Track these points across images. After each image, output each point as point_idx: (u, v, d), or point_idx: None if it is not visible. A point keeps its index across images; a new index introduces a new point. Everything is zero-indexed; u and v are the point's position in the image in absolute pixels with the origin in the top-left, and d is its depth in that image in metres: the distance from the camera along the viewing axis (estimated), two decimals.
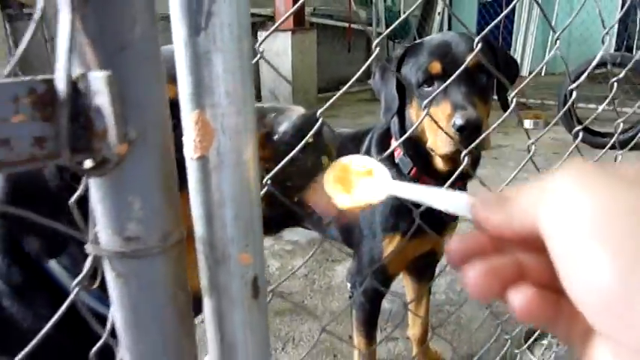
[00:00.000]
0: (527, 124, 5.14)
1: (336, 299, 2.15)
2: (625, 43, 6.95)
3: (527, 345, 1.56)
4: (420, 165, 1.35)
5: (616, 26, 6.77)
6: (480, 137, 1.15)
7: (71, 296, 0.39)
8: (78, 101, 0.28)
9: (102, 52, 0.29)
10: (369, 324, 1.51)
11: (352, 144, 1.54)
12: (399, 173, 1.41)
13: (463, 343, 1.80)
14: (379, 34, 7.66)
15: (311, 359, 1.79)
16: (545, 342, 1.66)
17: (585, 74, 1.11)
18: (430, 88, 1.27)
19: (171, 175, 0.36)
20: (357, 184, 0.61)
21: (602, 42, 0.94)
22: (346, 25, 7.78)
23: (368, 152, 1.52)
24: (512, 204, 0.32)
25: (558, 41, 0.86)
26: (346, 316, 1.97)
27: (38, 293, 0.63)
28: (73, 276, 0.62)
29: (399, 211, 1.41)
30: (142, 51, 0.32)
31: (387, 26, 8.48)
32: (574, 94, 0.92)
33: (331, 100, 0.71)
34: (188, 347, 0.41)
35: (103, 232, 0.34)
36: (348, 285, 1.57)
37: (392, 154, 1.44)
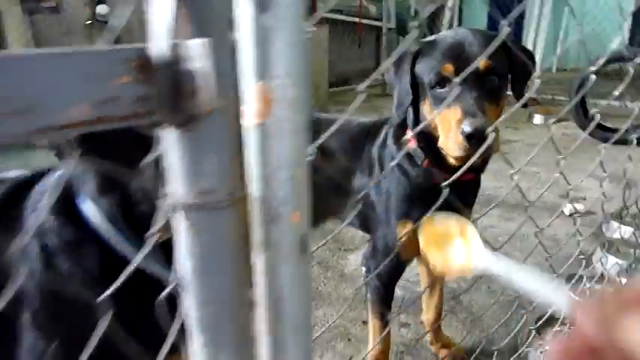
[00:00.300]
0: (538, 119, 5.15)
1: (349, 286, 2.20)
2: (638, 38, 6.93)
3: (537, 326, 1.60)
4: (432, 157, 1.37)
5: (629, 22, 6.75)
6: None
7: (145, 250, 0.44)
8: (175, 65, 0.32)
9: (193, 24, 0.33)
10: (384, 307, 1.56)
11: (370, 133, 1.58)
12: (412, 163, 1.44)
13: (475, 329, 1.85)
14: (389, 29, 7.60)
15: (325, 343, 1.84)
16: (556, 328, 1.70)
17: (604, 60, 1.13)
18: (443, 90, 1.27)
19: (238, 137, 0.41)
20: (452, 246, 0.63)
21: (620, 28, 0.97)
22: (356, 19, 7.80)
23: (384, 141, 1.56)
24: (615, 328, 0.33)
25: (580, 27, 0.89)
26: (359, 303, 2.03)
27: (88, 250, 0.68)
28: (119, 231, 0.68)
29: (414, 198, 1.46)
30: (218, 26, 0.37)
31: (398, 21, 8.51)
32: (592, 78, 0.95)
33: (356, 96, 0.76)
34: (247, 295, 0.46)
35: (179, 185, 0.39)
36: (363, 269, 1.62)
37: (406, 143, 1.48)
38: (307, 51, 0.43)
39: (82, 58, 0.30)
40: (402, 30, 8.41)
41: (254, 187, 0.45)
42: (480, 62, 1.18)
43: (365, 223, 1.61)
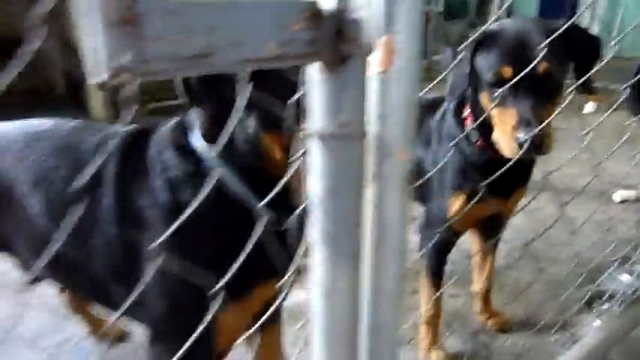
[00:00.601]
0: (590, 107, 5.05)
1: None
2: None
3: (585, 300, 1.65)
4: (486, 139, 1.41)
5: None
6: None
7: (290, 172, 0.54)
8: (339, 15, 0.41)
9: None
10: (436, 274, 1.64)
11: (431, 107, 1.65)
12: (467, 140, 1.50)
13: (520, 303, 1.91)
14: (438, 13, 7.46)
15: None
16: (605, 306, 1.75)
17: None
18: (501, 89, 1.26)
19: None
20: None
21: None
22: None
23: (443, 116, 1.63)
24: None
25: None
26: (411, 274, 2.11)
27: (202, 180, 0.79)
28: (224, 165, 0.79)
29: (468, 172, 1.52)
30: None
31: (446, 5, 8.38)
32: None
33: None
34: (361, 217, 0.55)
35: (321, 117, 0.49)
36: (417, 237, 1.70)
37: (464, 121, 1.54)
38: (422, 12, 0.52)
39: (271, 7, 0.40)
40: (449, 14, 8.30)
41: (372, 126, 0.54)
42: (540, 66, 1.19)
43: (422, 193, 1.69)
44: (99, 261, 0.88)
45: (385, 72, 0.51)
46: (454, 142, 1.40)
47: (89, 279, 0.92)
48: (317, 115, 0.49)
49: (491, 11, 8.41)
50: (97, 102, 4.18)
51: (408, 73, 0.52)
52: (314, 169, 0.52)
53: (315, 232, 0.55)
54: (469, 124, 1.50)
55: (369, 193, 0.57)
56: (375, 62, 0.51)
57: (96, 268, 0.89)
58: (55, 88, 4.08)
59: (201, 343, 0.74)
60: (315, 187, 0.52)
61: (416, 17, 0.51)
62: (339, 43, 0.43)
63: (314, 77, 0.48)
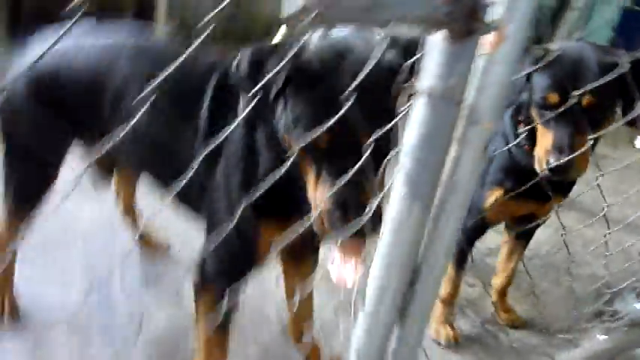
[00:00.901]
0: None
1: None
2: None
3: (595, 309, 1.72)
4: (532, 146, 1.48)
5: None
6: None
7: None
8: None
9: None
10: (462, 254, 1.75)
11: None
12: (517, 144, 1.58)
13: (534, 307, 2.00)
14: None
15: None
16: (614, 325, 1.82)
17: None
18: (546, 112, 1.36)
19: None
20: None
21: None
22: None
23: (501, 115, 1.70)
24: None
25: None
26: None
27: (261, 128, 0.98)
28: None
29: (509, 171, 1.61)
30: None
31: None
32: None
33: None
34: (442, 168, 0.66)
35: (434, 77, 0.59)
36: None
37: (518, 123, 1.62)
38: (534, 7, 0.61)
39: None
40: None
41: (470, 95, 0.64)
42: (584, 99, 1.27)
43: None
44: (185, 157, 1.06)
45: (491, 54, 0.61)
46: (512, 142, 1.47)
47: (174, 171, 1.10)
48: (430, 75, 0.59)
49: (561, 26, 8.18)
50: (162, 25, 4.35)
51: (511, 57, 0.62)
52: (414, 120, 0.62)
53: (399, 175, 0.65)
54: (521, 128, 1.59)
55: (452, 153, 0.67)
56: (487, 42, 0.61)
57: (181, 163, 1.06)
58: (123, 10, 4.34)
59: (247, 247, 1.00)
60: (410, 136, 0.63)
61: (529, 11, 0.60)
62: (469, 19, 0.53)
63: (437, 44, 0.58)
